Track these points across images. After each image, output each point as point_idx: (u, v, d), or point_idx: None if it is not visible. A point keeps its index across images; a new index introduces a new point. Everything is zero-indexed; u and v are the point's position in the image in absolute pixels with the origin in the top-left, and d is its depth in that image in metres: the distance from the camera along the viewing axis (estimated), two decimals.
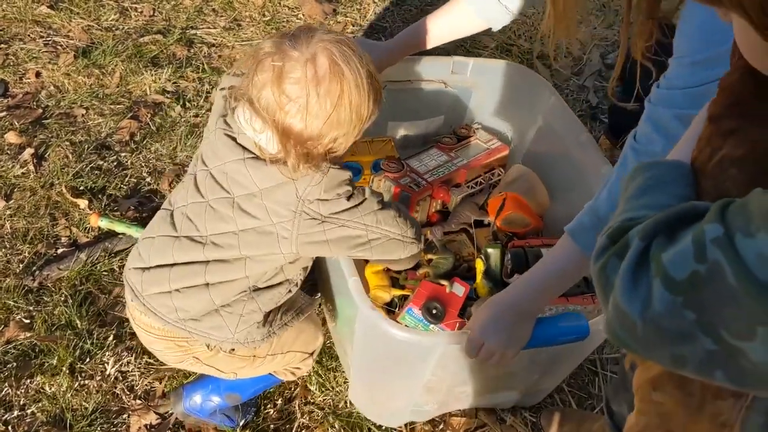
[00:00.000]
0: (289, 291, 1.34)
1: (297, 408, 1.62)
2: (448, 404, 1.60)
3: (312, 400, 1.64)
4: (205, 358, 1.37)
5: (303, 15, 2.72)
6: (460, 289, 1.47)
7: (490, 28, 1.57)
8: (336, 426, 1.60)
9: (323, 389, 1.66)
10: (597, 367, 1.79)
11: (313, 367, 1.67)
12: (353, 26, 2.67)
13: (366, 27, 2.67)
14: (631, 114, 1.18)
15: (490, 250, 1.59)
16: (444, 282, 1.48)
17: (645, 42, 1.08)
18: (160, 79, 2.37)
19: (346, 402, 1.64)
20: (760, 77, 0.62)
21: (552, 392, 1.71)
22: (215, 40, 2.60)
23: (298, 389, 1.65)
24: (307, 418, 1.61)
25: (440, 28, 1.58)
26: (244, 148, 1.19)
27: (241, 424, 1.58)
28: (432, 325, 1.43)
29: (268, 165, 1.17)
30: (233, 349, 1.34)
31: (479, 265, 1.57)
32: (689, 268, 0.54)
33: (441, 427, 1.63)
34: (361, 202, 1.23)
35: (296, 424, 1.60)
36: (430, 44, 1.60)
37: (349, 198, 1.22)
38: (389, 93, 1.49)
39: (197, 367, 1.41)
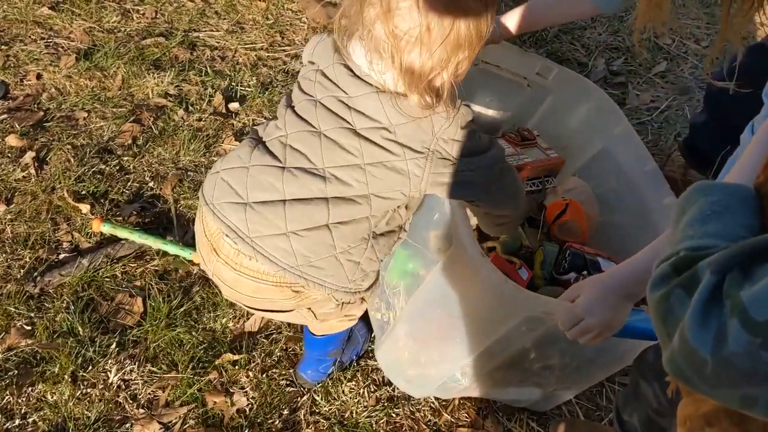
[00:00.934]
0: (400, 237, 1.31)
1: (303, 418, 1.60)
2: (472, 389, 1.58)
3: (318, 410, 1.62)
4: (315, 304, 1.32)
5: (307, 18, 2.70)
6: (524, 273, 1.49)
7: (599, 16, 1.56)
8: None
9: (329, 399, 1.64)
10: (605, 379, 1.77)
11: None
12: None
13: None
14: (710, 133, 1.13)
15: (547, 245, 1.63)
16: (515, 260, 1.50)
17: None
18: (162, 82, 2.35)
19: (352, 412, 1.62)
20: None
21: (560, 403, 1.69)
22: (218, 43, 2.58)
23: (304, 398, 1.63)
24: (313, 429, 1.59)
25: (552, 9, 1.57)
26: (368, 83, 1.14)
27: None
28: None
29: (401, 99, 1.13)
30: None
31: (539, 256, 1.60)
32: None
33: None
34: (489, 149, 1.21)
35: None
36: (540, 25, 1.61)
37: (479, 140, 1.20)
38: (475, 70, 1.45)
39: (288, 318, 1.36)
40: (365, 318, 1.72)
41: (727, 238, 0.60)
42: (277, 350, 1.71)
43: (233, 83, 2.40)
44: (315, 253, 1.20)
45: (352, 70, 1.16)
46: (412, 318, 1.47)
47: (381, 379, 1.69)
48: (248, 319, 1.76)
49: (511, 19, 1.64)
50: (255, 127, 1.30)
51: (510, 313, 1.27)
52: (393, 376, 1.62)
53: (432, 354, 1.54)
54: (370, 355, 1.73)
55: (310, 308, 1.33)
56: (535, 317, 1.25)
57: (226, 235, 1.21)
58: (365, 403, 1.64)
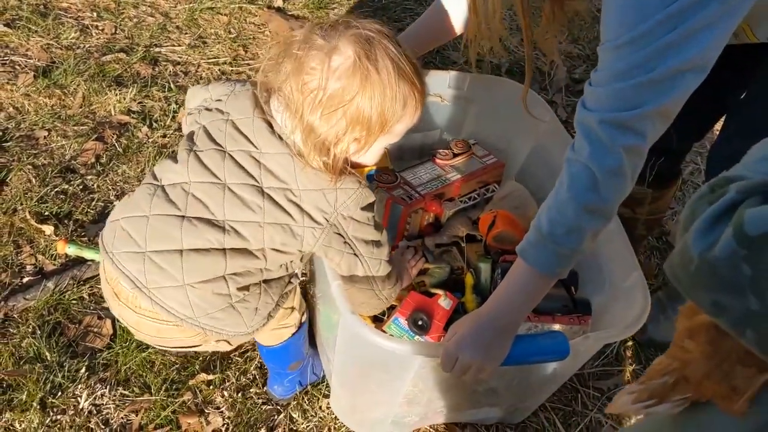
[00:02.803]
0: (291, 282, 1.33)
1: None
2: (429, 417, 1.58)
3: (295, 428, 1.60)
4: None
5: (270, 31, 2.69)
6: (447, 303, 1.47)
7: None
8: None
9: (307, 416, 1.62)
10: (578, 383, 1.78)
11: (297, 394, 1.63)
12: None
13: None
14: None
15: (481, 265, 1.60)
16: (439, 291, 1.49)
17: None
18: (124, 98, 2.31)
19: (329, 428, 1.61)
20: None
21: (535, 410, 1.70)
22: (180, 58, 2.55)
23: (281, 416, 1.61)
24: None
25: (423, 35, 1.58)
26: (285, 143, 1.18)
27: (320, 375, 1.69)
28: (417, 337, 1.41)
29: (314, 167, 1.17)
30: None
31: (468, 280, 1.57)
32: (764, 228, 0.55)
33: None
34: (379, 243, 1.27)
35: None
36: (422, 50, 1.61)
37: (374, 228, 1.25)
38: None
39: (211, 347, 1.35)
40: None
41: None
42: (251, 368, 1.69)
43: None
44: (212, 305, 1.20)
45: (272, 127, 1.19)
46: (338, 371, 1.49)
47: None
48: None
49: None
50: (153, 168, 1.28)
51: (403, 362, 1.29)
52: (347, 423, 1.62)
53: (363, 401, 1.55)
54: None
55: (217, 341, 1.31)
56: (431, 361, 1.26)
57: (124, 284, 1.21)
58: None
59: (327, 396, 1.65)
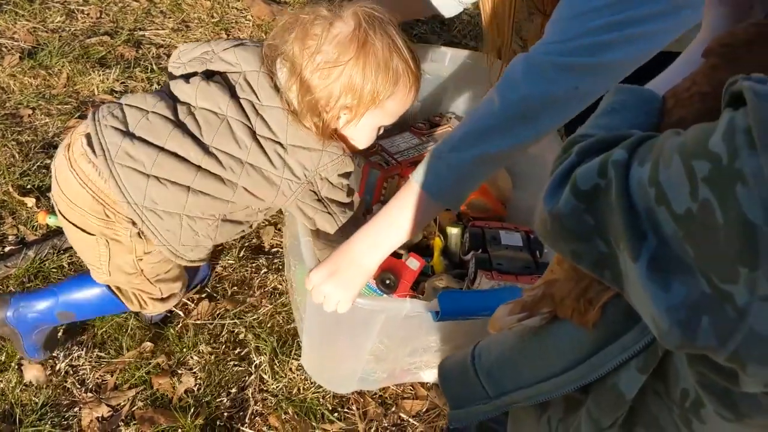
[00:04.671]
0: (243, 231, 1.40)
1: (251, 395, 1.64)
2: (397, 375, 1.63)
3: (265, 388, 1.66)
4: (112, 242, 1.33)
5: (252, 16, 2.74)
6: (414, 264, 1.52)
7: (440, 16, 1.62)
8: (289, 412, 1.62)
9: (277, 377, 1.68)
10: None
11: (269, 355, 1.69)
12: None
13: None
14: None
15: (451, 229, 1.67)
16: (401, 251, 1.54)
17: None
18: (108, 79, 2.37)
19: (299, 388, 1.66)
20: (763, 25, 0.68)
21: None
22: (164, 41, 2.61)
23: (252, 377, 1.67)
24: (261, 405, 1.63)
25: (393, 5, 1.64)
26: (283, 99, 1.27)
27: (42, 358, 1.60)
28: (384, 295, 1.47)
29: (302, 125, 1.26)
30: (146, 254, 1.35)
31: (437, 243, 1.64)
32: (593, 180, 0.61)
33: (393, 409, 1.66)
34: (351, 205, 1.37)
35: (250, 411, 1.61)
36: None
37: (346, 193, 1.35)
38: None
39: (86, 247, 1.36)
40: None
41: (610, 130, 0.69)
42: (224, 332, 1.74)
43: None
44: (163, 203, 1.27)
45: (274, 83, 1.29)
46: (307, 330, 1.55)
47: None
48: (197, 304, 1.79)
49: None
50: (168, 82, 1.37)
51: (367, 318, 1.34)
52: (317, 379, 1.67)
53: (331, 358, 1.61)
54: None
55: (107, 245, 1.33)
56: (394, 317, 1.32)
57: (92, 150, 1.26)
58: (312, 380, 1.68)
59: (297, 358, 1.71)
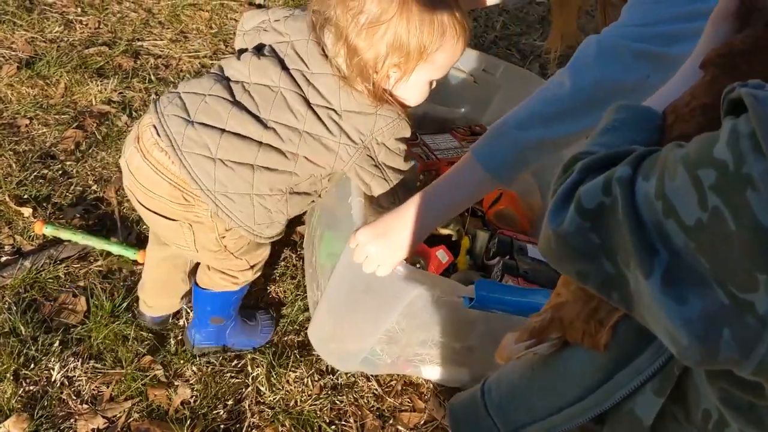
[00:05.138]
0: (313, 201, 1.43)
1: (247, 408, 1.63)
2: (399, 365, 1.63)
3: (262, 400, 1.65)
4: (195, 224, 1.38)
5: None
6: (444, 257, 1.54)
7: (502, 5, 1.61)
8: (286, 424, 1.61)
9: (274, 389, 1.67)
10: None
11: (266, 367, 1.68)
12: None
13: None
14: None
15: (479, 232, 1.68)
16: (448, 232, 1.59)
17: None
18: (106, 89, 2.37)
19: (296, 401, 1.65)
20: (761, 37, 0.68)
21: None
22: (162, 51, 2.61)
23: (249, 389, 1.66)
24: (258, 418, 1.62)
25: None
26: (332, 65, 1.28)
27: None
28: None
29: (358, 91, 1.27)
30: (227, 230, 1.39)
31: (465, 242, 1.65)
32: (597, 198, 0.60)
33: (391, 422, 1.65)
34: (411, 169, 1.38)
35: (246, 424, 1.60)
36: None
37: (403, 158, 1.35)
38: None
39: (170, 231, 1.42)
40: (273, 315, 1.81)
41: (612, 148, 0.68)
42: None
43: None
44: (233, 185, 1.30)
45: (323, 50, 1.29)
46: (330, 295, 1.52)
47: (325, 368, 1.73)
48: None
49: None
50: (220, 63, 1.40)
51: (398, 290, 1.33)
52: (320, 351, 1.66)
53: (347, 329, 1.59)
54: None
55: (191, 227, 1.39)
56: (425, 296, 1.32)
57: (158, 135, 1.30)
58: (309, 392, 1.67)
59: (294, 370, 1.70)
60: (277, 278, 1.90)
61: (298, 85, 1.29)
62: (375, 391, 1.70)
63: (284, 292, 1.87)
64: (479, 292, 1.22)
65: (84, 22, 2.68)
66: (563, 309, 0.80)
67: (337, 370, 1.71)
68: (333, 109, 1.28)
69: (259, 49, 1.36)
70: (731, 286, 0.51)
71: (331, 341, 1.64)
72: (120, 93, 2.38)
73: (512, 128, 1.18)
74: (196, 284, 1.63)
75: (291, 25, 1.34)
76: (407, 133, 1.34)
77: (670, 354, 0.68)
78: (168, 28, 2.72)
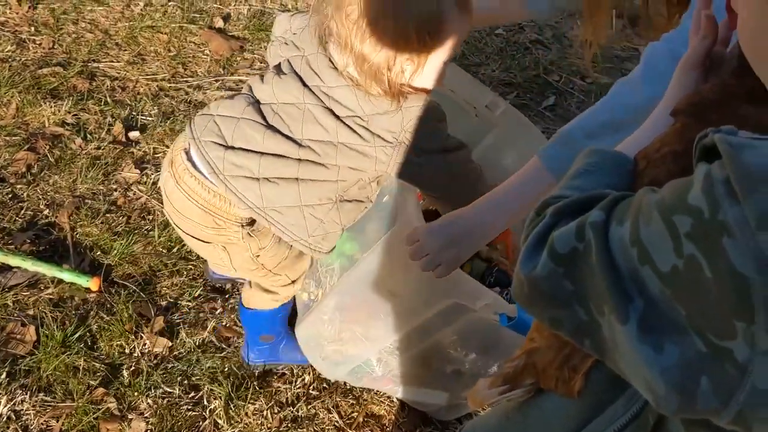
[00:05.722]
0: (366, 208, 1.41)
1: None
2: (382, 380, 1.62)
3: None
4: (228, 246, 1.41)
5: (210, 51, 2.72)
6: None
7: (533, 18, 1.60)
8: None
9: (232, 422, 1.62)
10: None
11: (224, 400, 1.63)
12: (261, 62, 2.70)
13: None
14: None
15: (479, 263, 1.68)
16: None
17: None
18: (59, 111, 2.30)
19: None
20: (729, 85, 0.69)
21: (470, 413, 1.72)
22: (119, 73, 2.56)
23: (206, 423, 1.61)
24: None
25: (482, 8, 1.58)
26: (344, 75, 1.26)
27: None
28: None
29: (374, 94, 1.25)
30: (261, 249, 1.40)
31: (467, 267, 1.64)
32: (571, 244, 0.60)
33: None
34: (454, 150, 1.33)
35: None
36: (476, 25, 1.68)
37: (445, 140, 1.33)
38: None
39: (208, 253, 1.47)
40: None
41: (585, 191, 0.68)
42: (178, 375, 1.68)
43: (134, 112, 2.38)
44: (281, 200, 1.32)
45: (332, 62, 1.29)
46: (343, 292, 1.49)
47: (285, 400, 1.69)
48: (146, 344, 1.72)
49: None
50: (249, 83, 1.41)
51: (439, 294, 1.30)
52: (310, 352, 1.64)
53: (355, 330, 1.55)
54: (276, 375, 1.73)
55: (225, 249, 1.42)
56: (459, 307, 1.29)
57: (193, 164, 1.32)
58: (269, 425, 1.63)
59: (253, 402, 1.65)
60: (237, 307, 1.86)
61: (321, 100, 1.29)
62: (336, 423, 1.67)
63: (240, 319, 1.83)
64: (521, 311, 1.20)
65: (38, 42, 2.61)
66: (536, 355, 0.79)
67: (298, 402, 1.67)
68: (358, 116, 1.28)
69: (279, 67, 1.37)
70: (709, 334, 0.51)
71: (331, 342, 1.61)
72: (74, 115, 2.32)
73: (582, 138, 1.16)
74: (242, 304, 1.66)
75: (305, 38, 1.34)
76: (438, 114, 1.32)
77: (644, 401, 0.67)
78: (125, 50, 2.67)
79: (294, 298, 1.68)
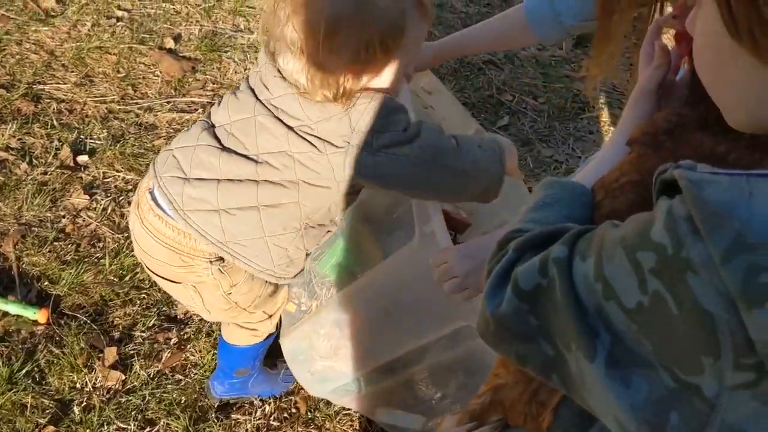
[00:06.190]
0: (329, 231, 1.37)
1: None
2: (362, 399, 1.60)
3: None
4: (198, 285, 1.36)
5: (160, 72, 2.67)
6: None
7: (541, 43, 1.56)
8: None
9: None
10: None
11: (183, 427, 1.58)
12: (213, 84, 2.65)
13: (226, 84, 2.65)
14: None
15: None
16: None
17: None
18: (3, 135, 2.22)
19: None
20: (682, 114, 0.69)
21: None
22: (65, 96, 2.48)
23: None
24: None
25: (488, 34, 1.57)
26: (290, 83, 1.20)
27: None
28: None
29: (318, 100, 1.18)
30: (230, 293, 1.37)
31: None
32: (535, 280, 0.60)
33: None
34: (415, 138, 1.20)
35: None
36: (475, 50, 1.68)
37: (402, 131, 1.20)
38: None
39: (180, 294, 1.43)
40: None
41: (546, 224, 0.68)
42: (131, 409, 1.62)
43: (82, 136, 2.31)
44: (243, 233, 1.28)
45: (279, 71, 1.23)
46: (345, 306, 1.45)
47: (245, 431, 1.64)
48: (98, 378, 1.66)
49: (441, 44, 1.62)
50: (210, 110, 1.37)
51: (453, 315, 1.28)
52: (298, 366, 1.60)
53: (353, 347, 1.52)
54: (235, 407, 1.68)
55: (195, 288, 1.37)
56: (470, 330, 1.27)
57: (157, 203, 1.30)
58: None
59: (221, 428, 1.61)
60: (192, 337, 1.81)
61: (270, 111, 1.24)
62: None
63: (198, 351, 1.78)
64: None
65: None
66: (503, 391, 0.79)
67: None
68: (306, 125, 1.21)
69: (237, 87, 1.33)
70: (676, 369, 0.51)
71: (323, 358, 1.57)
72: (19, 139, 2.24)
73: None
74: (222, 338, 1.61)
75: (260, 56, 1.30)
76: (390, 106, 1.21)
77: None
78: (72, 72, 2.59)
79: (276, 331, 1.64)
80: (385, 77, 1.23)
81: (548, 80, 3.01)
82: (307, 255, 1.40)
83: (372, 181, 1.25)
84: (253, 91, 1.28)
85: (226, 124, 1.29)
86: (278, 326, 1.62)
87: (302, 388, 1.68)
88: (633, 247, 0.52)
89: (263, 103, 1.25)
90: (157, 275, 1.40)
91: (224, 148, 1.27)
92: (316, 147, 1.21)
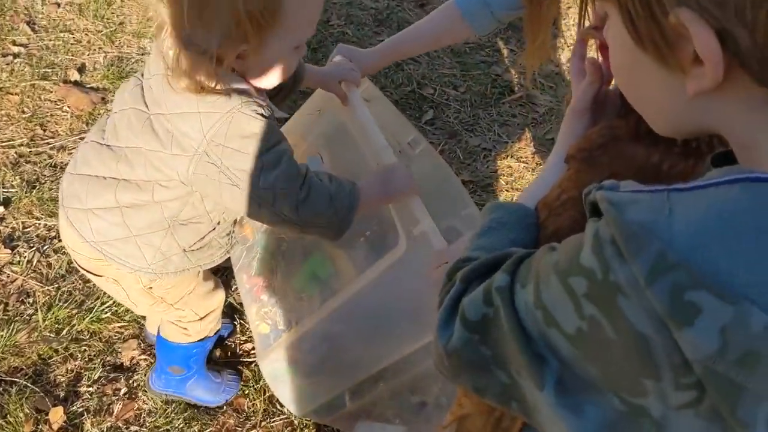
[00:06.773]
0: (213, 229, 1.28)
1: None
2: (347, 417, 1.57)
3: None
4: (119, 278, 1.33)
5: (69, 107, 2.54)
6: None
7: (474, 34, 1.55)
8: None
9: None
10: None
11: None
12: None
13: None
14: None
15: None
16: None
17: None
18: None
19: None
20: (615, 126, 0.69)
21: None
22: None
23: None
24: None
25: (426, 34, 1.57)
26: (164, 63, 1.08)
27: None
28: None
29: (182, 87, 1.05)
30: (151, 288, 1.35)
31: None
32: (481, 310, 0.60)
33: None
34: (275, 166, 1.10)
35: None
36: (416, 50, 1.70)
37: (262, 154, 1.08)
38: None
39: (108, 288, 1.40)
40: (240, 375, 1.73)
41: (492, 249, 0.68)
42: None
43: None
44: (112, 233, 1.24)
45: (159, 48, 1.12)
46: (333, 320, 1.41)
47: None
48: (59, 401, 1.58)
49: (382, 49, 1.61)
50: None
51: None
52: (279, 387, 1.57)
53: (343, 359, 1.49)
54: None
55: (117, 282, 1.34)
56: None
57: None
58: None
59: None
60: (143, 384, 1.74)
61: (142, 97, 1.13)
62: None
63: (150, 399, 1.71)
64: None
65: None
66: (468, 421, 0.78)
67: None
68: (162, 114, 1.09)
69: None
70: (622, 392, 0.51)
71: (310, 374, 1.54)
72: None
73: None
74: (159, 331, 1.60)
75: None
76: (255, 128, 1.08)
77: None
78: None
79: (216, 336, 1.63)
80: (270, 59, 1.09)
81: (465, 68, 3.02)
82: (185, 252, 1.29)
83: (220, 199, 1.16)
84: (141, 76, 1.20)
85: (113, 113, 1.23)
86: (217, 332, 1.63)
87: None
88: (565, 273, 0.52)
89: (142, 88, 1.16)
90: (84, 269, 1.36)
91: (104, 144, 1.23)
92: (163, 144, 1.11)
